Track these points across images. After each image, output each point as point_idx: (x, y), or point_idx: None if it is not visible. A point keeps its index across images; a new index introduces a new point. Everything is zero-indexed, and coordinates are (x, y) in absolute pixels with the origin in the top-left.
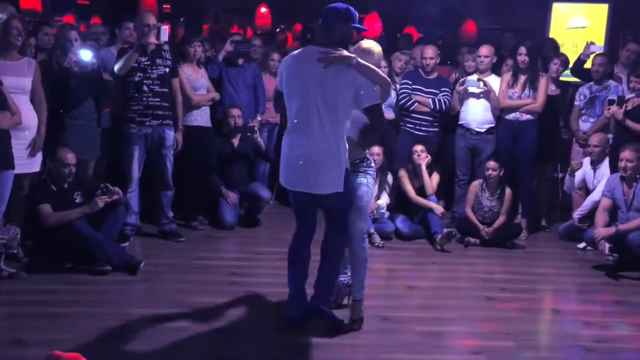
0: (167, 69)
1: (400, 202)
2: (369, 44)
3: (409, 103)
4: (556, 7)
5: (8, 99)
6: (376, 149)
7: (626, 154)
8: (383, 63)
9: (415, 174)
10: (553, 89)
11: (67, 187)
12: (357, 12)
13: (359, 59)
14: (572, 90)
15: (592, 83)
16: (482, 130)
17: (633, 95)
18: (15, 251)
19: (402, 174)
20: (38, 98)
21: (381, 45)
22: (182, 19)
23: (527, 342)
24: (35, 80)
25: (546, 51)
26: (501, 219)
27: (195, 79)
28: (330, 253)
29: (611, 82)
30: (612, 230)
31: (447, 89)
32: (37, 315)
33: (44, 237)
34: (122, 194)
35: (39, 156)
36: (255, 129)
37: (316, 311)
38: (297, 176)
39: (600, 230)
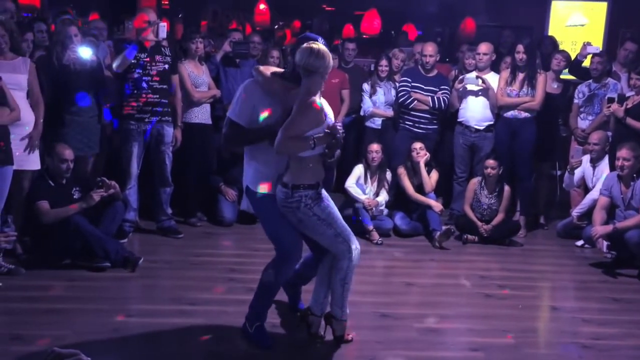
0: (166, 66)
1: (399, 200)
2: (322, 47)
3: (408, 101)
4: (555, 5)
5: (7, 95)
6: (375, 146)
7: (623, 152)
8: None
9: (414, 172)
10: (555, 87)
11: (65, 183)
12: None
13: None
14: (573, 89)
15: (590, 81)
16: (481, 127)
17: (633, 92)
18: (10, 246)
19: (401, 171)
20: (35, 96)
21: (380, 43)
22: (180, 15)
23: (525, 339)
24: (31, 78)
25: (545, 49)
26: (499, 217)
27: (196, 75)
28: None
29: (610, 80)
30: (609, 228)
31: (446, 87)
32: (35, 312)
33: (42, 233)
34: (119, 189)
35: (38, 153)
36: None
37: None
38: None
39: (598, 228)
